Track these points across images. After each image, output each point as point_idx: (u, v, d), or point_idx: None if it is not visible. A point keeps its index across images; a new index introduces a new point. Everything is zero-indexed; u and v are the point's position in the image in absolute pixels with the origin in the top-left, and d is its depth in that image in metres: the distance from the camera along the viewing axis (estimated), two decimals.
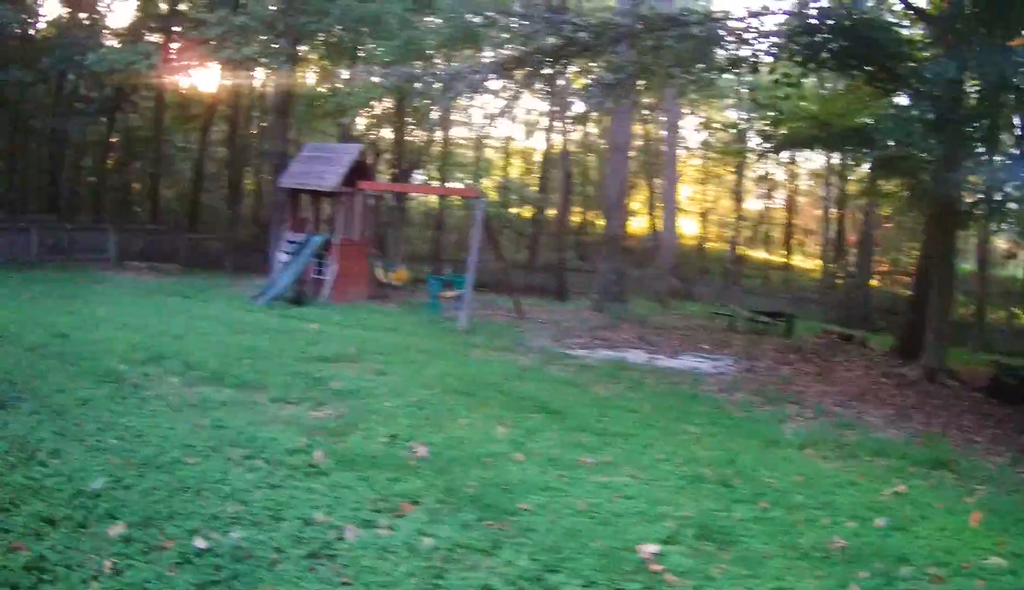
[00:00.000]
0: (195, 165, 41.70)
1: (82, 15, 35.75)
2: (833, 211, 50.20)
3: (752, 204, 59.12)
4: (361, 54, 32.75)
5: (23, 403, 9.91)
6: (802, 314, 34.24)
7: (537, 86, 22.35)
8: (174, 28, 37.36)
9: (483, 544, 6.70)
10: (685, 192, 54.88)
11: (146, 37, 37.54)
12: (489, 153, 51.88)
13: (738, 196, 56.10)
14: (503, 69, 20.54)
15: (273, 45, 26.54)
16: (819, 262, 53.21)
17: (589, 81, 20.66)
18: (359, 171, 23.56)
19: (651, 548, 6.82)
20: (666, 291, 35.11)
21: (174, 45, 35.08)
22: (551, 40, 19.00)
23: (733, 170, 55.22)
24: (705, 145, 54.51)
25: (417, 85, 22.35)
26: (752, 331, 26.70)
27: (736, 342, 23.33)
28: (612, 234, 27.49)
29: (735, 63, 19.22)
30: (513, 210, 43.65)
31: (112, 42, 36.95)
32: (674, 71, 19.84)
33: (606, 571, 6.37)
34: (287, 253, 23.42)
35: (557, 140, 40.76)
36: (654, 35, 18.44)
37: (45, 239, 29.59)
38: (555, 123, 39.14)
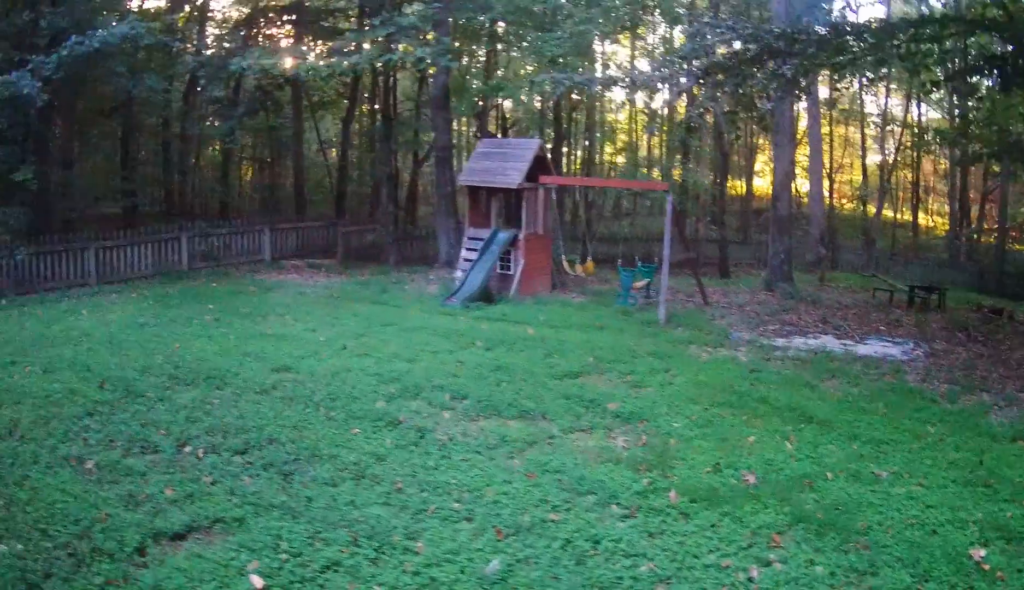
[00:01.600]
0: (339, 158, 42.23)
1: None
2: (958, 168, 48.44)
3: (871, 161, 57.69)
4: (524, 44, 32.61)
5: (311, 467, 10.13)
6: (940, 281, 33.85)
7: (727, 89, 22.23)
8: (289, 19, 38.18)
9: (862, 565, 7.69)
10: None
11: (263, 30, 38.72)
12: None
13: (863, 154, 55.12)
14: (704, 74, 20.69)
15: (436, 42, 26.71)
16: (943, 221, 52.18)
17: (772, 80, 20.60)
18: (539, 166, 23.80)
19: (979, 552, 7.94)
20: (819, 262, 34.82)
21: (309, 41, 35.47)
22: (751, 46, 19.29)
23: (855, 127, 54.30)
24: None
25: (598, 88, 22.51)
26: (910, 305, 26.65)
27: (905, 320, 23.49)
28: (780, 215, 27.50)
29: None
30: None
31: (214, 30, 37.72)
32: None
33: (959, 575, 7.54)
34: (471, 249, 24.00)
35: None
36: (840, 40, 19.18)
37: (195, 246, 29.13)
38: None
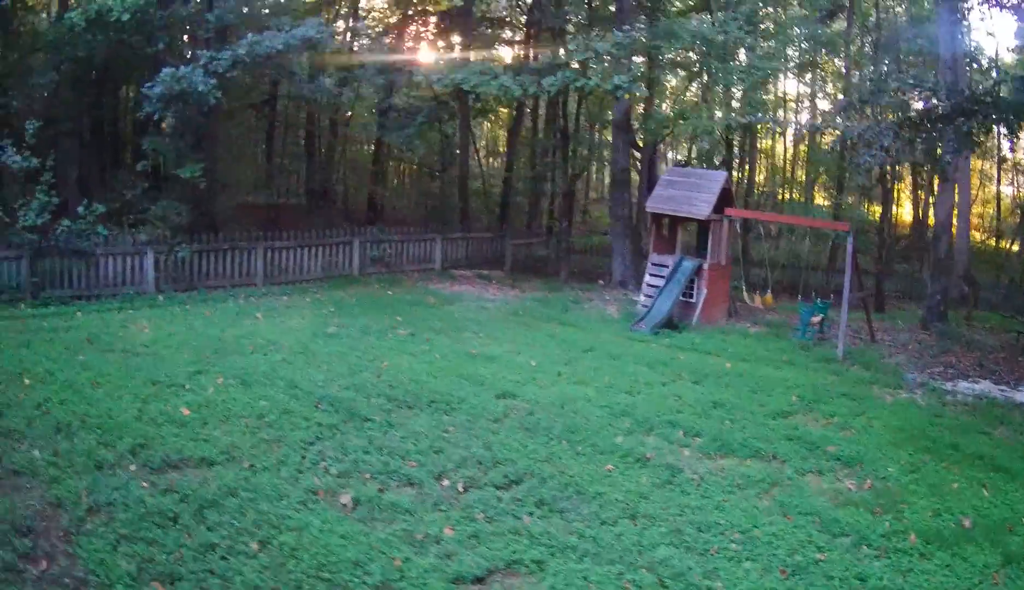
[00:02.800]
0: (505, 169, 42.98)
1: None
2: None
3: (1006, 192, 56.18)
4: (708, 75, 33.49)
5: (581, 505, 10.86)
6: None
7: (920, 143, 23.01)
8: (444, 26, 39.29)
9: None
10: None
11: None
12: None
13: (997, 187, 54.21)
14: (899, 128, 21.44)
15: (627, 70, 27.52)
16: None
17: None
18: (724, 197, 24.71)
19: None
20: (963, 299, 34.79)
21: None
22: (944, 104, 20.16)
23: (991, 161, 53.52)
24: None
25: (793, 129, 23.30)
26: None
27: None
28: (940, 256, 27.94)
29: None
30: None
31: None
32: None
33: None
34: (655, 275, 25.05)
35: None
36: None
37: (367, 251, 29.41)
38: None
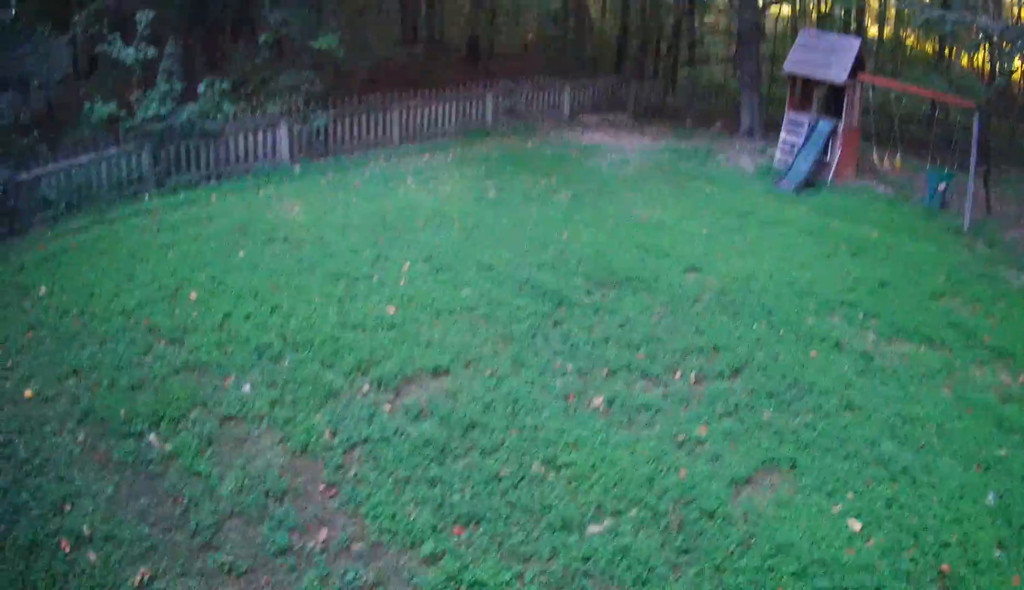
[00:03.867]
0: (621, 14, 41.84)
1: None
2: None
3: None
4: None
5: (804, 398, 12.17)
6: None
7: None
8: None
9: None
10: None
11: None
12: None
13: None
14: None
15: None
16: None
17: None
18: (858, 63, 25.40)
19: None
20: None
21: None
22: None
23: None
24: None
25: None
26: None
27: None
28: None
29: None
30: None
31: None
32: None
33: None
34: (790, 132, 26.33)
35: None
36: None
37: (499, 103, 29.15)
38: None
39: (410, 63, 37.94)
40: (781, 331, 14.47)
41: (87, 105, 20.60)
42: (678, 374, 12.66)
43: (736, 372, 12.97)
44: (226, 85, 22.56)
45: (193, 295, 13.92)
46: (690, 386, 12.42)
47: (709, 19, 47.68)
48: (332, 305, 13.70)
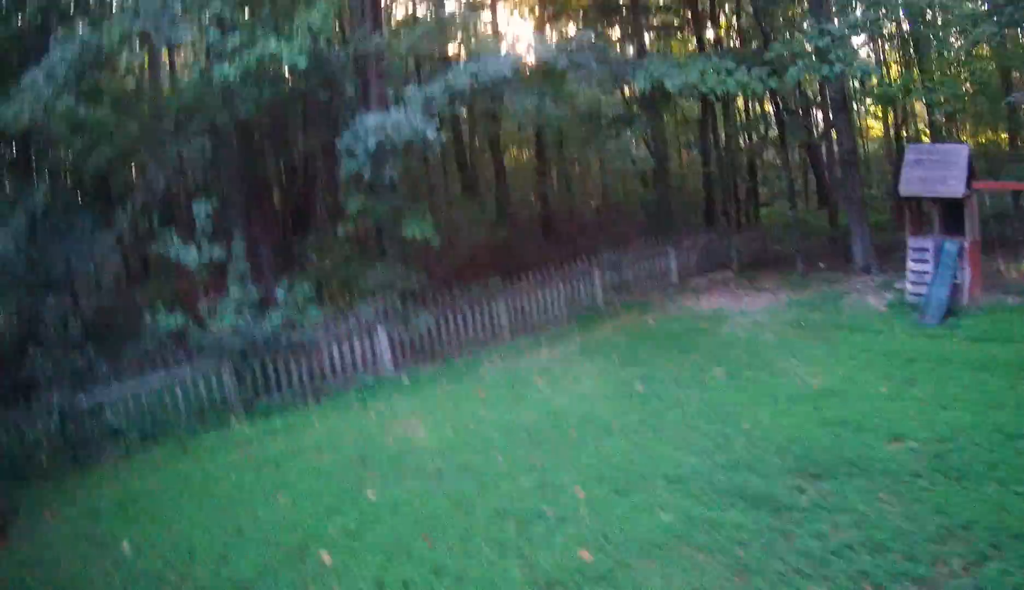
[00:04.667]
0: (703, 164, 41.93)
1: None
2: None
3: None
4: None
5: None
6: None
7: None
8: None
9: None
10: None
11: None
12: None
13: None
14: None
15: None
16: None
17: None
18: (970, 171, 24.40)
19: None
20: None
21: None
22: None
23: None
24: None
25: None
26: None
27: None
28: None
29: None
30: None
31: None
32: None
33: None
34: (917, 260, 25.05)
35: None
36: None
37: (606, 278, 28.17)
38: None
39: (492, 244, 37.00)
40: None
41: (148, 314, 19.05)
42: (943, 568, 10.92)
43: (996, 548, 11.24)
44: (309, 287, 21.13)
45: (327, 557, 11.63)
46: (960, 577, 10.72)
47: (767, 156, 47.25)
48: (510, 557, 11.35)
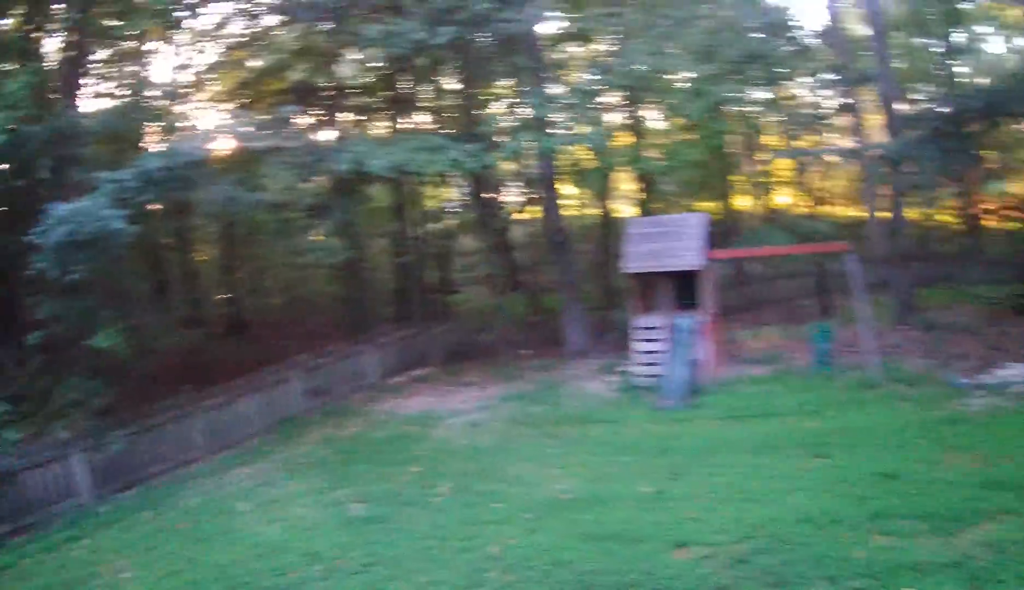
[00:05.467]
0: (395, 252, 38.98)
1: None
2: None
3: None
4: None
5: None
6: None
7: None
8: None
9: None
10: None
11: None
12: None
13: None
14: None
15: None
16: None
17: None
18: (707, 241, 23.21)
19: None
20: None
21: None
22: None
23: None
24: None
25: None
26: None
27: None
28: (902, 246, 28.43)
29: None
30: None
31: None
32: None
33: None
34: (648, 340, 23.10)
35: None
36: None
37: (305, 383, 24.90)
38: None
39: (185, 349, 32.70)
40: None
41: None
42: None
43: None
44: (6, 406, 18.13)
45: None
46: None
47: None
48: None
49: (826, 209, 51.09)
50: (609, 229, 38.48)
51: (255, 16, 30.39)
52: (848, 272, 21.96)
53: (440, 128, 33.80)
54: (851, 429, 17.01)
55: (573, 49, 34.00)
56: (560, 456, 17.73)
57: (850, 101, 32.78)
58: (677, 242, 22.81)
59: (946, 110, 21.07)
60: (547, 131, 23.71)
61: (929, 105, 21.56)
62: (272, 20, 30.90)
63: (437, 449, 19.45)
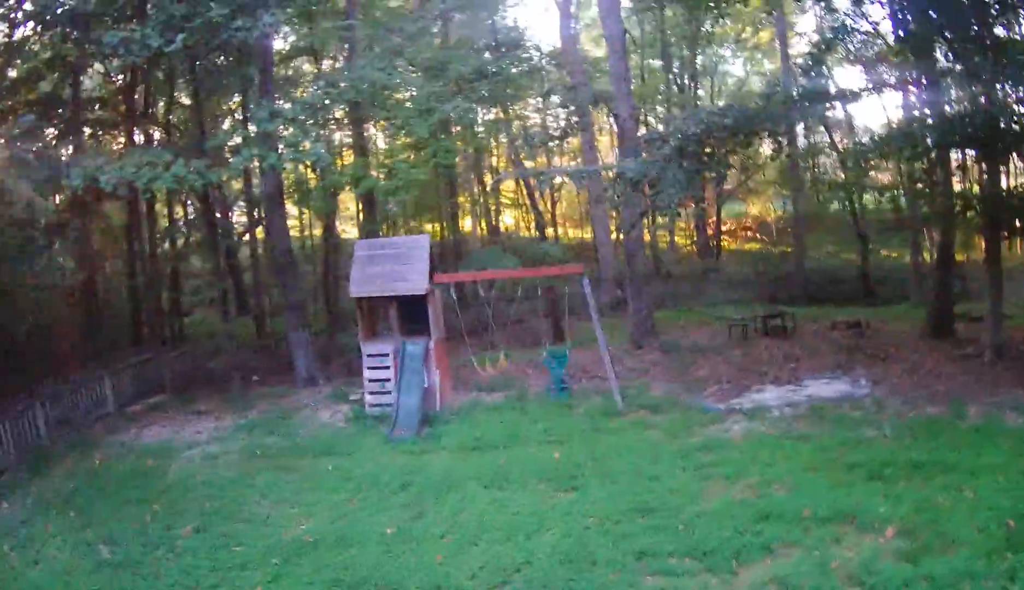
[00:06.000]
0: (128, 274, 35.76)
1: None
2: None
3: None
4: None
5: None
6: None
7: None
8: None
9: None
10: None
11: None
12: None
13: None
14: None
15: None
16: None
17: None
18: (432, 264, 22.04)
19: None
20: (619, 304, 34.76)
21: None
22: None
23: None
24: None
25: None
26: (766, 334, 27.98)
27: (799, 354, 24.47)
28: (637, 272, 27.88)
29: None
30: None
31: None
32: None
33: None
34: (375, 368, 21.65)
35: None
36: None
37: (51, 412, 22.47)
38: None
39: None
40: None
41: None
42: None
43: None
44: None
45: None
46: None
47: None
48: None
49: (558, 230, 51.79)
50: (334, 251, 37.78)
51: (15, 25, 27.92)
52: (583, 295, 21.55)
53: (171, 143, 31.83)
54: (599, 459, 16.12)
55: (304, 65, 32.89)
56: (300, 492, 16.27)
57: (583, 121, 32.97)
58: (403, 266, 21.62)
59: (691, 130, 20.54)
60: (272, 148, 22.08)
61: (671, 126, 21.06)
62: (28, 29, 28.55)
63: (177, 484, 17.47)
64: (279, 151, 21.97)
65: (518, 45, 37.39)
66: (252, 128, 23.72)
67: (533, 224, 46.09)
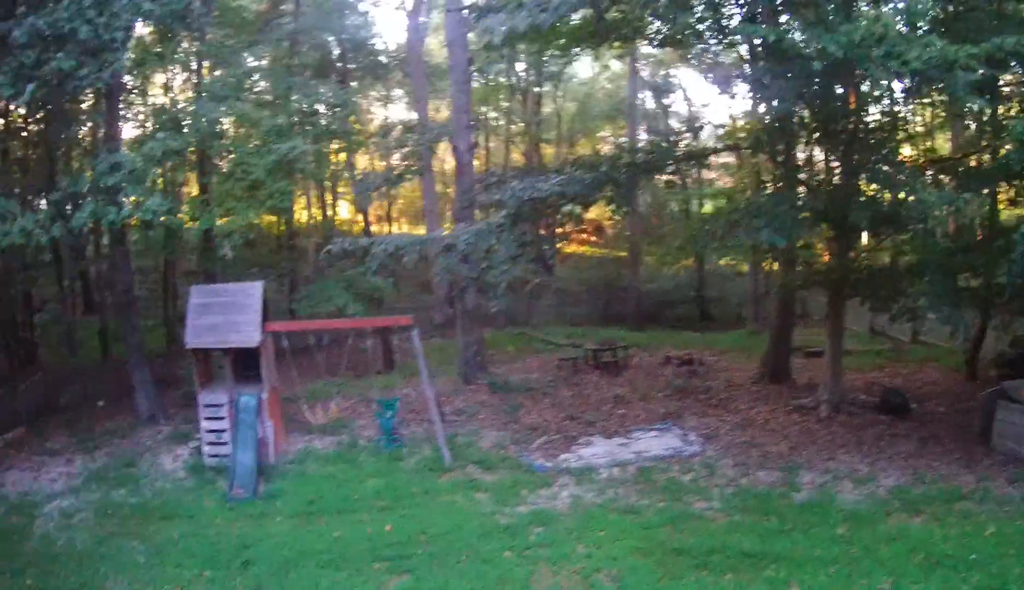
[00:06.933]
0: None
1: None
2: None
3: None
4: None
5: None
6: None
7: None
8: None
9: None
10: None
11: None
12: None
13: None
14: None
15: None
16: None
17: None
18: (265, 314, 21.84)
19: None
20: (447, 323, 34.90)
21: None
22: None
23: None
24: None
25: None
26: (598, 367, 28.89)
27: (630, 396, 25.56)
28: (468, 307, 27.86)
29: None
30: None
31: None
32: None
33: None
34: (211, 418, 21.49)
35: None
36: None
37: None
38: None
39: None
40: None
41: None
42: None
43: None
44: None
45: None
46: None
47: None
48: None
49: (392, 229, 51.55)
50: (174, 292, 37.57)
51: None
52: (411, 347, 22.18)
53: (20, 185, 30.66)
54: (430, 534, 16.20)
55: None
56: (151, 568, 15.70)
57: (421, 166, 33.77)
58: (238, 315, 21.43)
59: (528, 195, 20.73)
60: (113, 202, 21.57)
61: (507, 193, 20.96)
62: None
63: (40, 553, 16.71)
64: (120, 207, 21.50)
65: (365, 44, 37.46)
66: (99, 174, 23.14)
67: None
